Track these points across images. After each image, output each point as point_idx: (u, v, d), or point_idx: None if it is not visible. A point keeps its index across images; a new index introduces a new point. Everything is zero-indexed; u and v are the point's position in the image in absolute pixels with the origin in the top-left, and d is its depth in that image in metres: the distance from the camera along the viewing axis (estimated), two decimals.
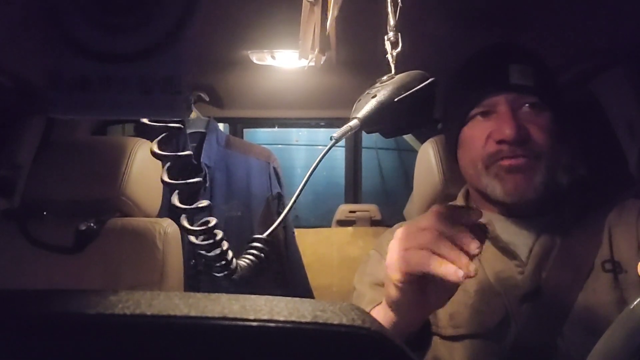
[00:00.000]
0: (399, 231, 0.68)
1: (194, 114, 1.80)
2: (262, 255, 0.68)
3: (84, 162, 1.37)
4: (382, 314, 0.74)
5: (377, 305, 0.81)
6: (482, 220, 0.97)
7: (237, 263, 0.66)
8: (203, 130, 1.77)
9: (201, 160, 1.69)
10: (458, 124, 0.99)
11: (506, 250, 0.94)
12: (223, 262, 0.64)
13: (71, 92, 0.41)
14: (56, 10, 0.40)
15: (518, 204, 0.94)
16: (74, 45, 0.41)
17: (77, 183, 1.34)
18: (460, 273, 0.59)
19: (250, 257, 0.68)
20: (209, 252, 0.64)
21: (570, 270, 0.90)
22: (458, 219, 0.63)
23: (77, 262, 1.30)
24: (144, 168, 1.37)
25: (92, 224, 1.31)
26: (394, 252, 0.67)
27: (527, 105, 0.92)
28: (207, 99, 1.76)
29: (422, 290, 0.67)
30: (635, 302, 0.48)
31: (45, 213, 1.38)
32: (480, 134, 0.95)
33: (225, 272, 0.64)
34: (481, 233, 0.65)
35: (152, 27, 0.41)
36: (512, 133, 0.89)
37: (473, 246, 0.61)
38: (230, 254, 0.65)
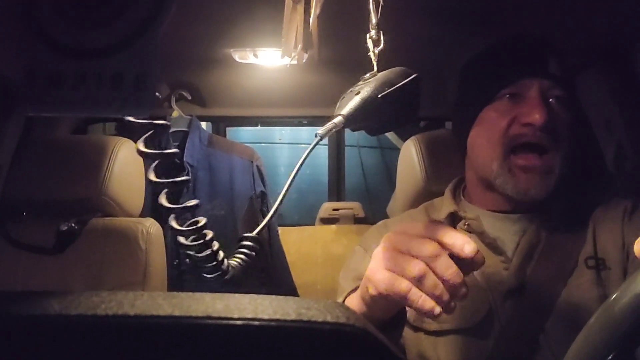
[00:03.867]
0: (388, 237, 0.64)
1: (176, 113, 1.78)
2: (253, 254, 0.67)
3: (64, 162, 1.36)
4: (356, 303, 0.73)
5: (352, 292, 0.80)
6: (471, 215, 0.98)
7: (228, 263, 0.65)
8: (185, 129, 1.76)
9: (184, 159, 1.68)
10: (481, 102, 0.97)
11: (492, 246, 0.95)
12: (214, 263, 0.63)
13: (45, 89, 0.40)
14: (29, 6, 0.40)
15: (524, 202, 0.94)
16: (47, 40, 0.40)
17: (57, 183, 1.32)
18: (437, 310, 0.57)
19: (242, 256, 0.67)
20: (199, 253, 0.63)
21: (554, 267, 0.91)
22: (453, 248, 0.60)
23: (58, 263, 1.28)
24: (126, 167, 1.35)
25: (73, 225, 1.29)
26: (377, 264, 0.63)
27: (555, 97, 0.93)
28: (190, 98, 1.75)
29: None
30: (612, 297, 0.48)
31: (25, 213, 1.36)
32: (506, 115, 0.93)
33: (218, 273, 0.63)
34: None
35: (123, 22, 0.40)
36: (542, 118, 0.88)
37: (462, 291, 0.58)
38: (221, 254, 0.64)
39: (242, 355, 0.33)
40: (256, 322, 0.32)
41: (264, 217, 1.77)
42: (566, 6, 1.05)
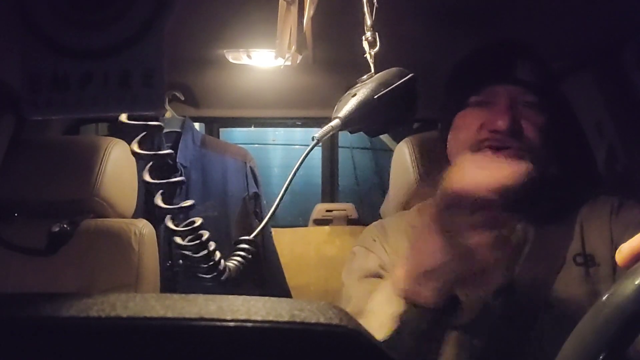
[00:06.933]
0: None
1: (169, 114, 1.78)
2: (250, 256, 0.67)
3: (56, 162, 1.35)
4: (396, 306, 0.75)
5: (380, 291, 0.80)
6: None
7: (225, 264, 0.65)
8: (178, 130, 1.76)
9: (177, 160, 1.68)
10: (454, 108, 0.99)
11: None
12: (211, 264, 0.63)
13: (50, 93, 0.40)
14: (28, 11, 0.40)
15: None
16: (49, 44, 0.40)
17: (49, 184, 1.32)
18: None
19: (239, 258, 0.67)
20: (196, 253, 0.63)
21: (542, 265, 0.91)
22: None
23: (50, 264, 1.28)
24: (119, 168, 1.35)
25: (65, 226, 1.28)
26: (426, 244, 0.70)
27: (526, 102, 0.93)
28: (183, 98, 1.75)
29: None
30: (606, 295, 0.49)
31: (16, 215, 1.35)
32: (475, 121, 0.95)
33: (215, 274, 0.63)
34: None
35: (127, 21, 0.40)
36: (506, 125, 0.89)
37: None
38: (217, 254, 0.63)
39: (235, 357, 0.33)
40: (249, 324, 0.32)
41: (257, 218, 1.78)
42: (557, 9, 1.05)
